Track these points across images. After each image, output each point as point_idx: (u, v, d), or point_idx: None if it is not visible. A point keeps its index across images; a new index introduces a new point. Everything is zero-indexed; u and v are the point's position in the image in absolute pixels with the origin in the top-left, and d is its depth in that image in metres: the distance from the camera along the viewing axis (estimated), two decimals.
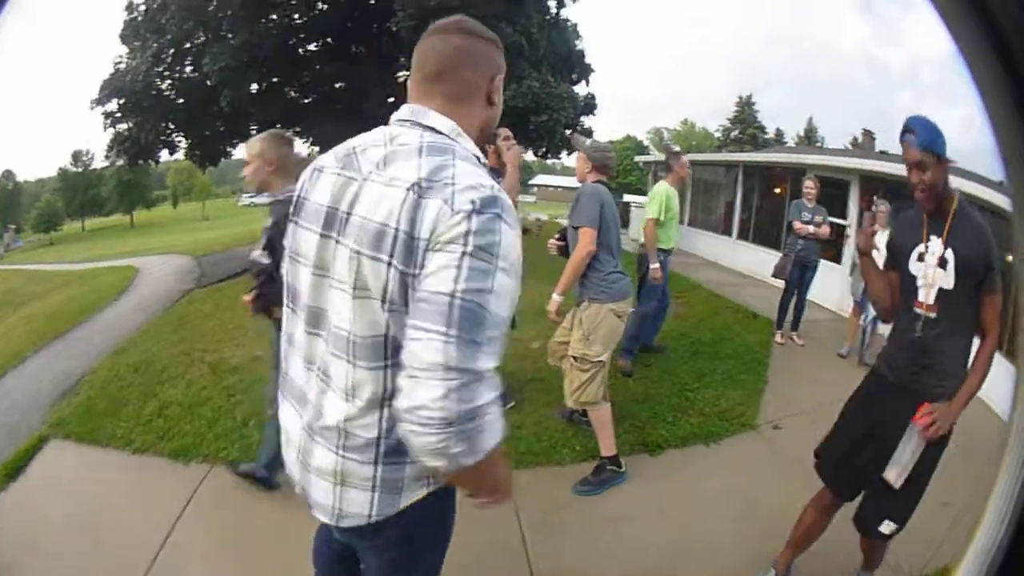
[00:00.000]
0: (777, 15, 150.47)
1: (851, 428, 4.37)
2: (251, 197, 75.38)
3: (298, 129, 22.14)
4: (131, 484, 6.27)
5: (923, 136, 3.69)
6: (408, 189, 1.90)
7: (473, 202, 1.86)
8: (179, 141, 19.88)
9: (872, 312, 9.74)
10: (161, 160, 21.10)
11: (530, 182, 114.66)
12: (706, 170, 24.26)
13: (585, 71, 22.66)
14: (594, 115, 21.91)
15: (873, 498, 4.15)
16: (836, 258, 13.77)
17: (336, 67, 19.23)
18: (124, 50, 18.57)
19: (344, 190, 2.08)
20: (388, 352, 1.98)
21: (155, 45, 17.47)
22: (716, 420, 7.57)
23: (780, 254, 11.10)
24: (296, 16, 18.49)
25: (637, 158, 41.78)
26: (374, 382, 2.02)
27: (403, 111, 2.22)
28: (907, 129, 3.77)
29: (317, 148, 24.62)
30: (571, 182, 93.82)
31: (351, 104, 19.79)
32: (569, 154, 22.49)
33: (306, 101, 20.80)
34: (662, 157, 33.13)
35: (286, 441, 2.42)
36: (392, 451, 2.07)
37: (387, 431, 2.03)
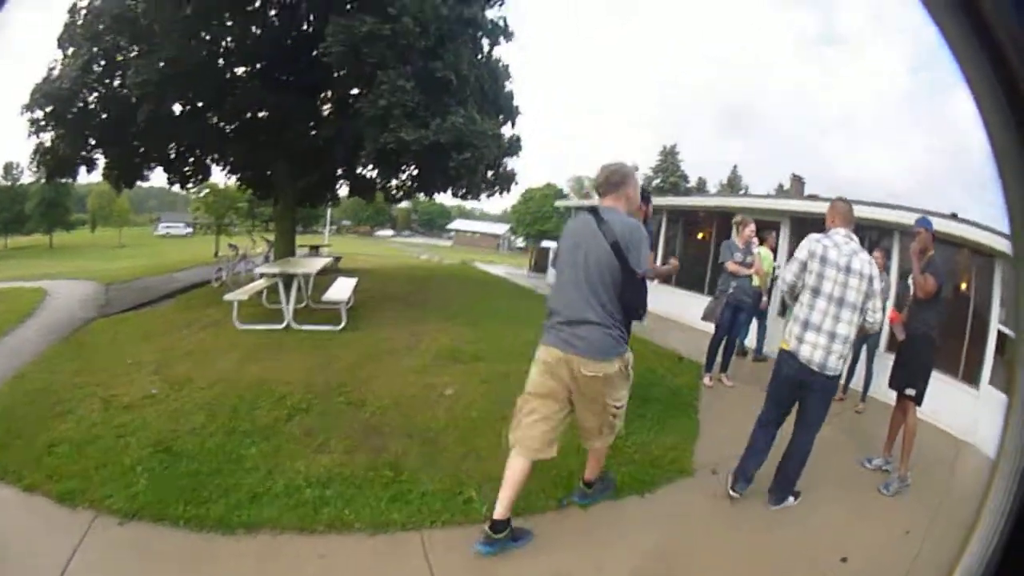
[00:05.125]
0: (701, 62, 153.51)
1: None
2: (167, 228, 74.44)
3: (216, 156, 21.70)
4: (19, 525, 5.81)
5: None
6: (870, 264, 6.21)
7: None
8: (97, 158, 18.81)
9: None
10: (81, 179, 20.12)
11: (448, 227, 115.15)
12: None
13: (512, 113, 21.76)
14: (518, 156, 21.15)
15: None
16: None
17: (261, 94, 18.38)
18: (60, 55, 17.48)
19: (848, 260, 6.09)
20: (855, 317, 6.10)
21: (87, 54, 16.55)
22: (649, 468, 7.16)
23: (710, 298, 11.21)
24: (228, 37, 17.84)
25: (558, 203, 41.91)
26: (857, 322, 6.14)
27: (844, 232, 6.28)
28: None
29: (235, 177, 24.15)
30: (489, 227, 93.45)
31: (272, 135, 19.37)
32: (489, 196, 22.13)
33: (228, 128, 20.05)
34: (570, 204, 33.51)
35: (812, 345, 6.08)
36: (852, 343, 6.42)
37: (854, 335, 6.29)
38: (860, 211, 12.84)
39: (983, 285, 10.88)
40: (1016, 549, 1.26)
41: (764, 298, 11.61)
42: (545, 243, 42.43)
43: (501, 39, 20.73)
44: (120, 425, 7.66)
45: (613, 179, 5.50)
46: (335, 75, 17.83)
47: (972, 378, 10.54)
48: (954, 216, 13.06)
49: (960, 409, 9.82)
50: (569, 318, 5.27)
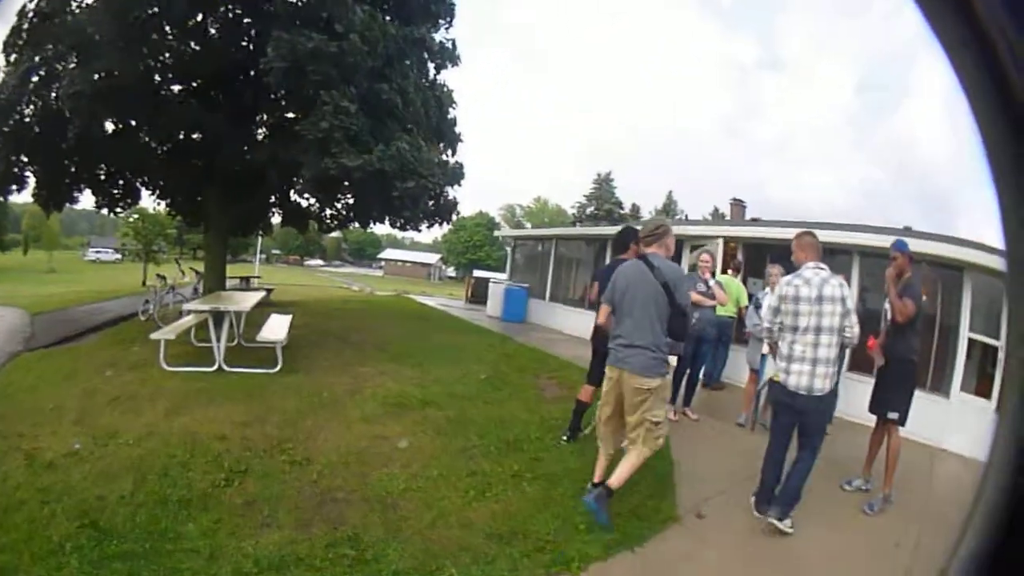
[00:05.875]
0: (637, 89, 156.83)
1: None
2: (96, 253, 73.76)
3: (146, 179, 20.83)
4: None
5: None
6: (841, 287, 6.83)
7: None
8: (27, 177, 17.57)
9: (767, 377, 10.03)
10: (18, 199, 19.25)
11: (378, 255, 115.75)
12: (567, 246, 24.75)
13: (454, 140, 21.32)
14: (460, 186, 20.32)
15: None
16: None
17: (195, 114, 17.41)
18: (3, 61, 16.35)
19: (819, 291, 6.75)
20: (835, 338, 6.76)
21: (27, 62, 15.55)
22: (634, 519, 6.72)
23: None
24: (167, 54, 16.92)
25: (498, 232, 41.80)
26: (839, 343, 6.80)
27: (813, 264, 6.97)
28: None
29: (164, 202, 23.48)
30: (419, 257, 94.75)
31: (205, 158, 18.64)
32: (429, 227, 21.71)
33: (160, 150, 19.17)
34: (514, 233, 33.70)
35: (798, 373, 6.73)
36: (838, 361, 7.15)
37: (838, 357, 7.09)
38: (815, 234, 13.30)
39: (950, 297, 11.45)
40: (1006, 553, 1.18)
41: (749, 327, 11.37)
42: (479, 273, 41.94)
43: (448, 63, 20.35)
44: (44, 489, 6.68)
45: (658, 232, 7.01)
46: (273, 96, 17.19)
47: (940, 388, 11.69)
48: (908, 230, 15.98)
49: (930, 419, 10.36)
50: (626, 343, 6.58)
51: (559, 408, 10.44)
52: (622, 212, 79.65)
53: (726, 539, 6.72)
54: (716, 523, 6.98)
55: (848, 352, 9.20)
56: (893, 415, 7.89)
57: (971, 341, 11.51)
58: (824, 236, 12.92)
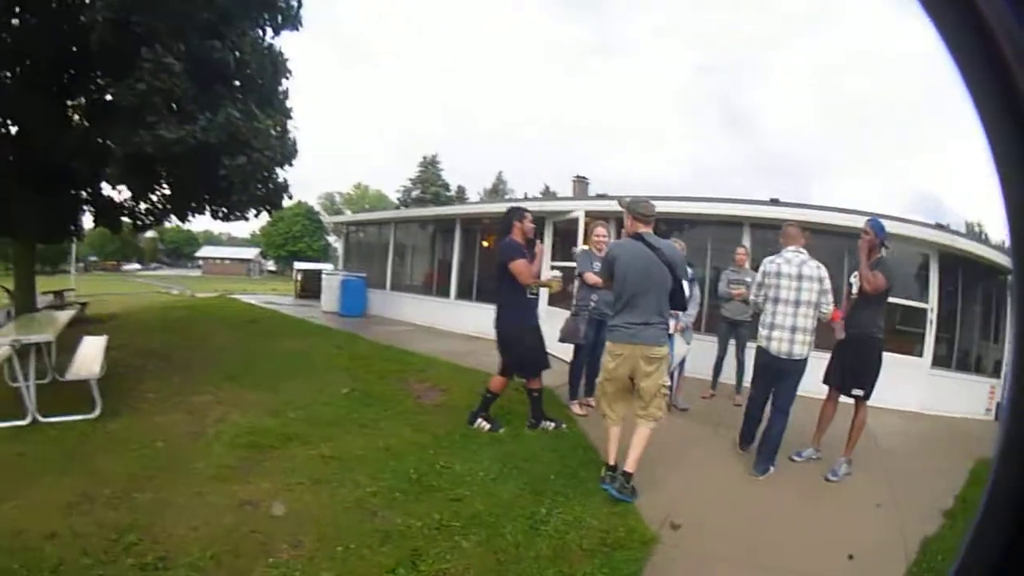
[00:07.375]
0: (459, 78, 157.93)
1: None
2: None
3: None
4: None
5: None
6: (818, 268, 7.91)
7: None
8: None
9: (679, 358, 10.51)
10: None
11: (196, 255, 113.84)
12: (406, 230, 24.01)
13: (285, 113, 18.06)
14: (292, 165, 17.80)
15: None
16: None
17: (10, 98, 14.78)
18: None
19: (798, 270, 7.89)
20: (812, 311, 7.83)
21: None
22: (608, 551, 5.43)
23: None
24: None
25: (327, 219, 40.64)
26: (813, 317, 7.85)
27: (794, 248, 8.13)
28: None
29: None
30: (238, 253, 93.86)
31: (20, 153, 15.63)
32: (257, 215, 19.29)
33: None
34: (348, 219, 32.37)
35: (779, 340, 7.87)
36: (813, 332, 7.96)
37: (814, 328, 7.89)
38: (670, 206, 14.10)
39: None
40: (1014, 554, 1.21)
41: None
42: (305, 264, 40.07)
43: (288, 26, 17.44)
44: None
45: (654, 212, 7.28)
46: (94, 72, 14.92)
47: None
48: (775, 201, 17.94)
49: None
50: (637, 320, 6.92)
51: (448, 418, 9.22)
52: (449, 194, 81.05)
53: (718, 540, 6.02)
54: (695, 527, 6.18)
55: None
56: (858, 392, 8.37)
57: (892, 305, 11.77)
58: (678, 207, 14.90)
